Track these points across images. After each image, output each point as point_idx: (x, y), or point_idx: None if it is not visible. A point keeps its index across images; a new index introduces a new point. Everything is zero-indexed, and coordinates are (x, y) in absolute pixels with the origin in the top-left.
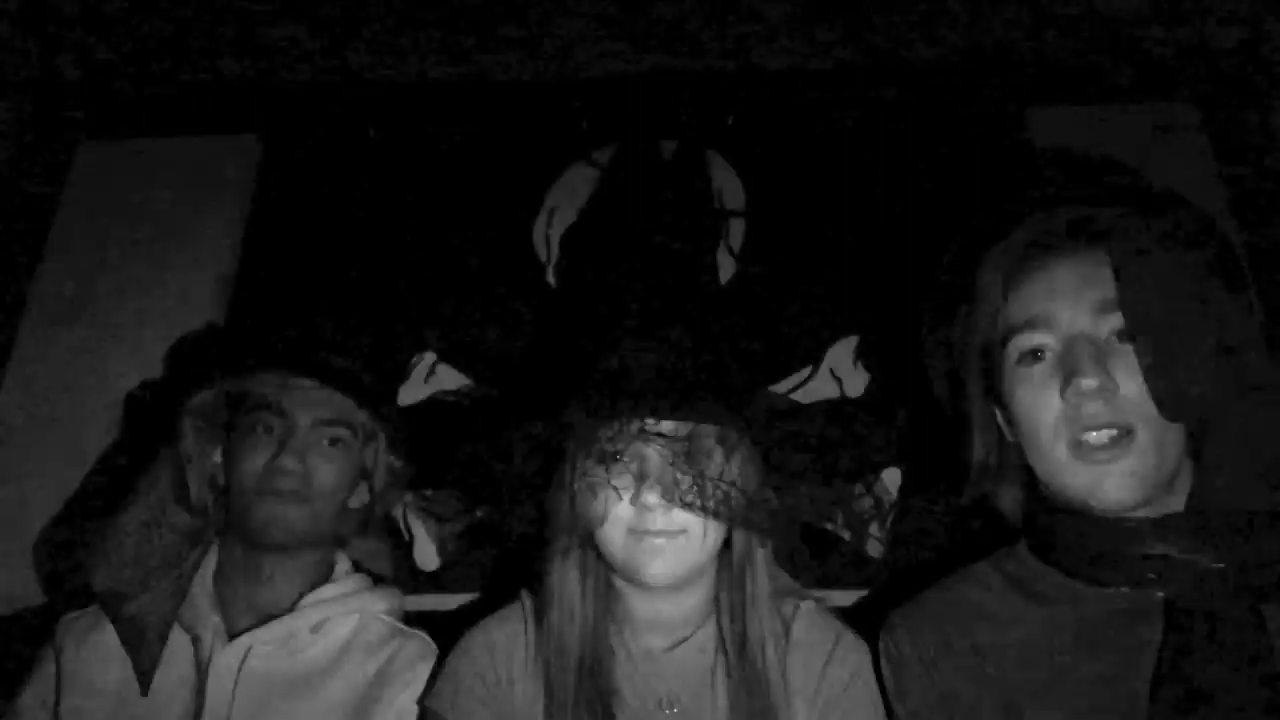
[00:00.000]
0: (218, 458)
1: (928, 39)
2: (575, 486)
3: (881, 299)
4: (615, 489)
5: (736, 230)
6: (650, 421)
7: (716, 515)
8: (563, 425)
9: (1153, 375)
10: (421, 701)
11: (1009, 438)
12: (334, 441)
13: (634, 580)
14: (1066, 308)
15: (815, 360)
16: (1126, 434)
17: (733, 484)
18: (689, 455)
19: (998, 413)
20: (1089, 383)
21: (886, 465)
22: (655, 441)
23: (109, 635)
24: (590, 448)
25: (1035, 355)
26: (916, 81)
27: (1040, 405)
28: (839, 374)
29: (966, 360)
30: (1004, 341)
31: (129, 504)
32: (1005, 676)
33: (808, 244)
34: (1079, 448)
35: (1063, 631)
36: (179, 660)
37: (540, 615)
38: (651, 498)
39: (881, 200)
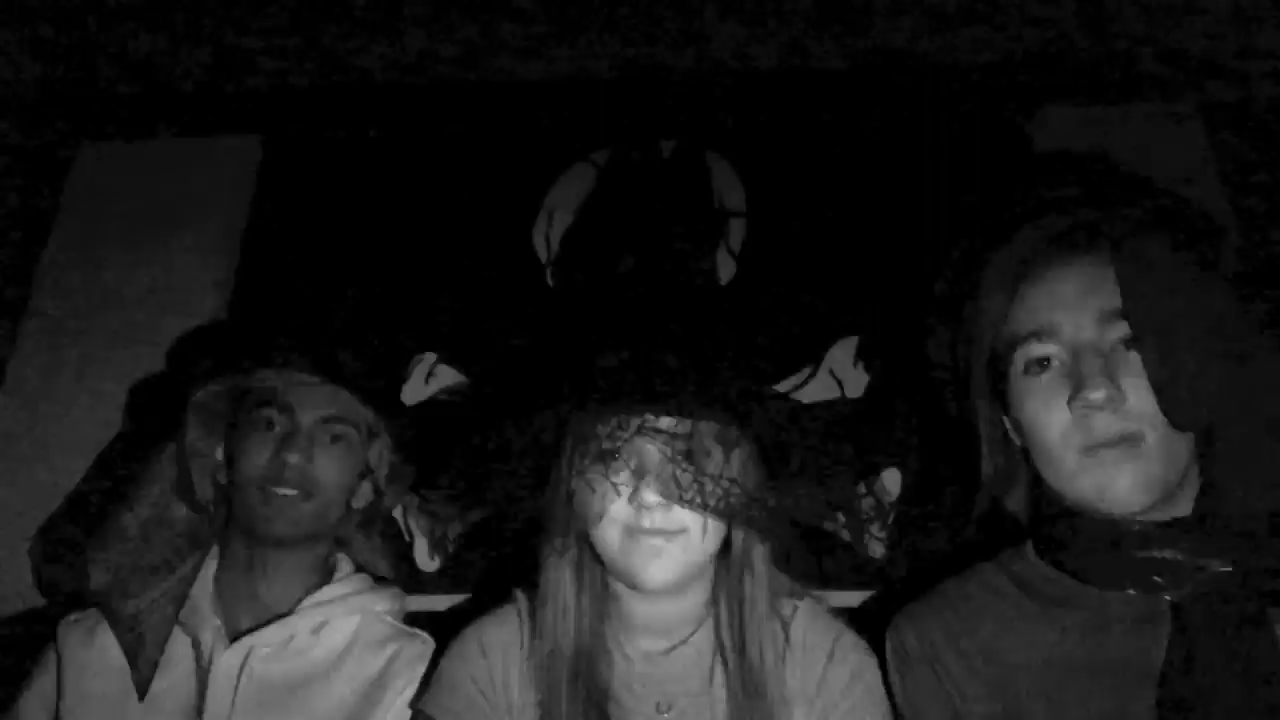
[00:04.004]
0: (220, 454)
1: (930, 39)
2: (572, 484)
3: (881, 299)
4: (613, 485)
5: (736, 230)
6: (649, 418)
7: (716, 513)
8: (560, 422)
9: (1159, 384)
10: (414, 704)
11: (1016, 442)
12: (337, 438)
13: (631, 584)
14: (1071, 317)
15: (815, 360)
16: (1135, 438)
17: (732, 481)
18: (688, 453)
19: (1005, 419)
20: (1096, 395)
21: (887, 465)
22: (654, 438)
23: (109, 638)
24: (588, 445)
25: (1041, 364)
26: (918, 82)
27: (1048, 415)
28: (839, 374)
29: (972, 368)
30: (1010, 350)
31: (130, 502)
32: (1011, 678)
33: (808, 244)
34: (1087, 452)
35: (1069, 633)
36: (180, 662)
37: (535, 615)
38: (650, 495)
39: (882, 200)
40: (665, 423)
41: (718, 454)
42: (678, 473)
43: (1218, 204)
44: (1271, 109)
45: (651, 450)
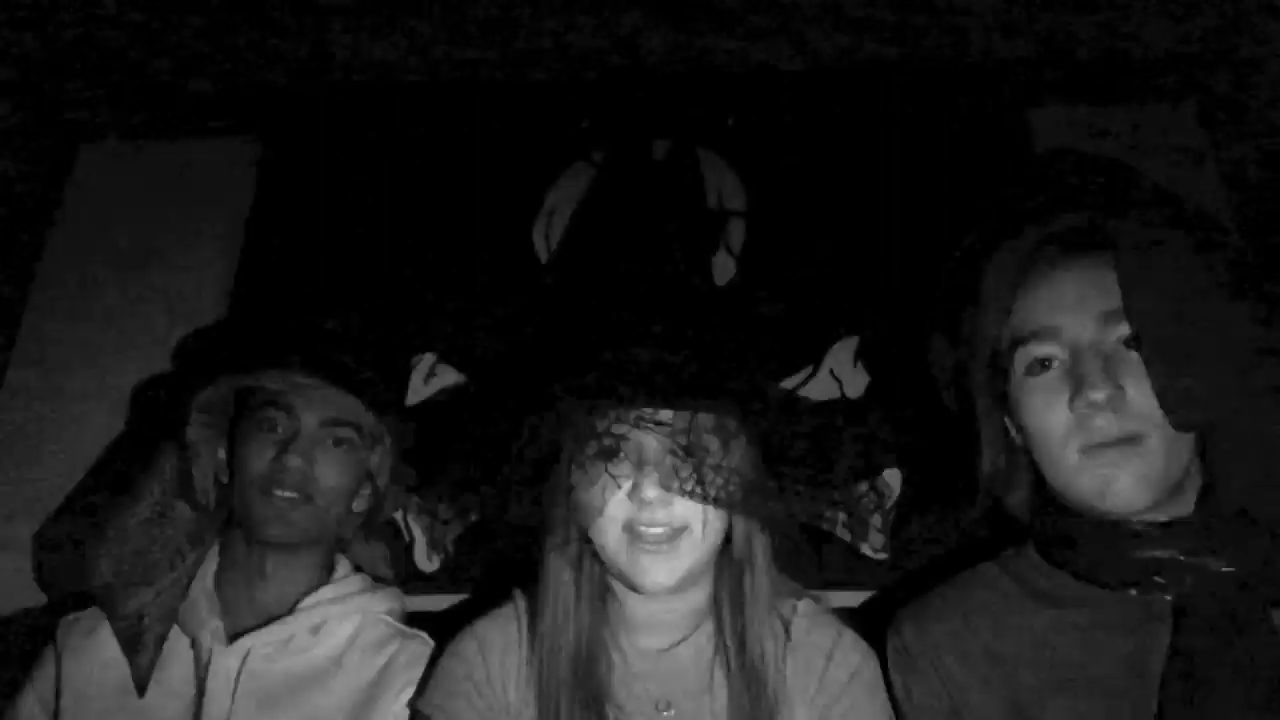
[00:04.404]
0: (222, 454)
1: (929, 39)
2: (572, 478)
3: (881, 299)
4: (613, 478)
5: (736, 230)
6: (648, 411)
7: (717, 502)
8: (559, 419)
9: (1160, 384)
10: (412, 703)
11: (1017, 442)
12: (339, 442)
13: (631, 586)
14: (1073, 318)
15: (815, 360)
16: (1136, 438)
17: (733, 471)
18: (687, 444)
19: (1006, 419)
20: (1097, 395)
21: (887, 465)
22: (653, 430)
23: (109, 636)
24: (587, 440)
25: (1043, 365)
26: (917, 82)
27: (1049, 415)
28: (839, 374)
29: (973, 368)
30: (1011, 350)
31: (131, 501)
32: (1012, 677)
33: (808, 244)
34: (1088, 452)
35: (1070, 633)
36: (178, 662)
37: (534, 615)
38: (650, 490)
39: (882, 201)
40: (664, 415)
41: (716, 445)
42: (677, 464)
43: (1218, 204)
44: (1271, 108)
45: (650, 442)
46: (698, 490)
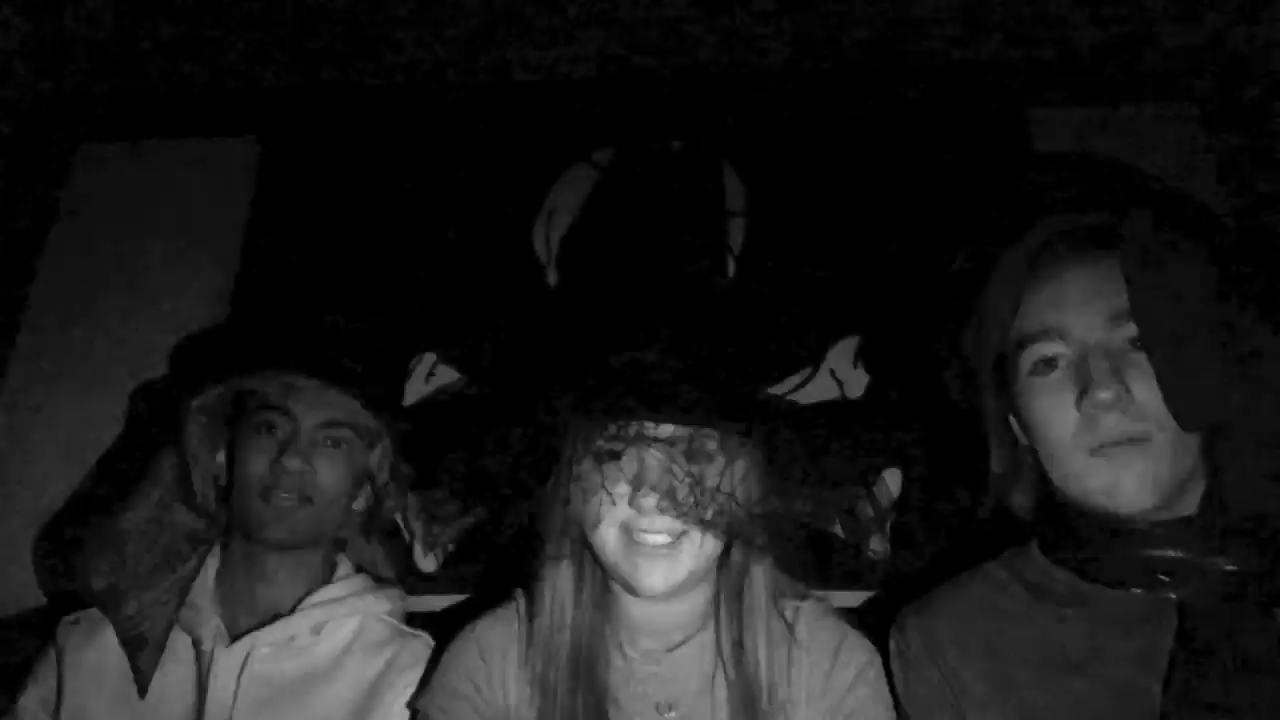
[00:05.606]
0: (221, 457)
1: (931, 38)
2: (570, 487)
3: (881, 299)
4: (609, 494)
5: (736, 230)
6: (648, 425)
7: (713, 527)
8: (559, 425)
9: (1167, 384)
10: (412, 704)
11: (1024, 442)
12: (338, 443)
13: (630, 590)
14: (1079, 317)
15: (815, 360)
16: (1143, 438)
17: (731, 495)
18: (688, 459)
19: (1012, 419)
20: (1104, 395)
21: (887, 466)
22: (654, 445)
23: (110, 637)
24: (587, 448)
25: (1049, 364)
26: (917, 81)
27: (1056, 416)
28: (839, 374)
29: (979, 368)
30: (1017, 351)
31: (131, 503)
32: (1016, 676)
33: (808, 244)
34: (1096, 452)
35: (1074, 632)
36: (180, 662)
37: (534, 616)
38: (648, 502)
39: (882, 201)
40: (665, 429)
41: (719, 460)
42: (675, 484)
43: (1218, 204)
44: (1272, 109)
45: (650, 460)
46: (694, 515)
